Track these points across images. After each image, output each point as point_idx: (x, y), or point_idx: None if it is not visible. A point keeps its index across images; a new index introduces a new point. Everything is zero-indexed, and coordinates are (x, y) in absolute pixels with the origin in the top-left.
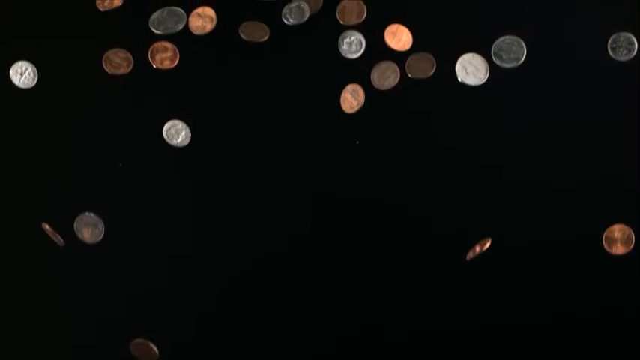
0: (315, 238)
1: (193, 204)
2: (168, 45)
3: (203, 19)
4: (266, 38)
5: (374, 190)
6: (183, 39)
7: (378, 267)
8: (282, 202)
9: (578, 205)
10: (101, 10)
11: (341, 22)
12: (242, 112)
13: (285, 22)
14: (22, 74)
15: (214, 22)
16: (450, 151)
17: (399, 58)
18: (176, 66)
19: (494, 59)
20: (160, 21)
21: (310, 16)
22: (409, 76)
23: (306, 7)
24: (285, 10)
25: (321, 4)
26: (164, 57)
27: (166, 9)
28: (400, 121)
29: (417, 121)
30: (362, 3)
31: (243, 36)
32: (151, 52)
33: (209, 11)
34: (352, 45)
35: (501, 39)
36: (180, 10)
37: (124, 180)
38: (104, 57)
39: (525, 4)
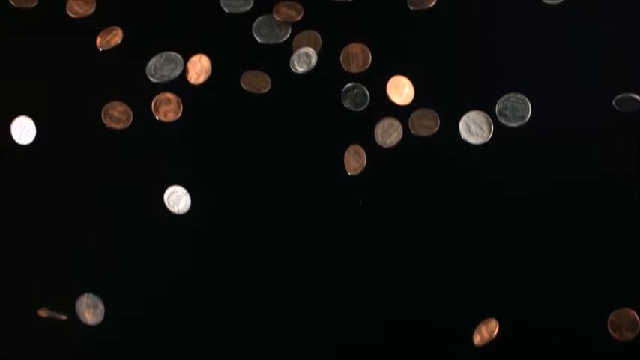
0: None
1: (195, 277)
2: (171, 96)
3: (199, 69)
4: (267, 89)
5: (378, 251)
6: (183, 88)
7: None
8: (284, 258)
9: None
10: (100, 49)
11: (344, 69)
12: (244, 170)
13: (293, 70)
14: (22, 130)
15: (208, 72)
16: (453, 214)
17: (401, 112)
18: (179, 118)
19: (498, 117)
20: (156, 68)
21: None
22: (412, 133)
23: (313, 54)
24: (293, 58)
25: (320, 45)
26: (168, 109)
27: (164, 54)
28: (403, 180)
29: (419, 180)
30: (367, 49)
31: (244, 86)
32: (155, 104)
33: (205, 61)
34: (356, 97)
35: (506, 96)
36: (179, 56)
37: (123, 253)
38: (103, 111)
39: (531, 61)
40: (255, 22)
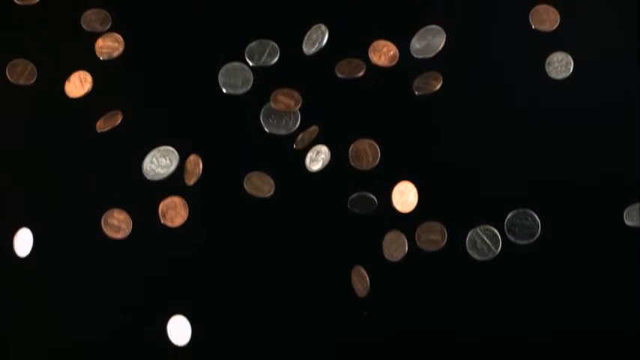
0: None
1: None
2: (177, 199)
3: (195, 170)
4: (272, 193)
5: None
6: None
7: None
8: None
9: None
10: (98, 131)
11: (353, 165)
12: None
13: (307, 169)
14: (22, 242)
15: (199, 174)
16: (462, 330)
17: (406, 221)
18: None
19: (507, 234)
20: (148, 170)
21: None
22: (419, 246)
23: (327, 152)
24: (309, 156)
25: (315, 133)
26: (174, 214)
27: (159, 149)
28: (409, 293)
29: (426, 294)
30: (376, 145)
31: (247, 189)
32: (162, 210)
33: (197, 160)
34: (362, 203)
35: (514, 212)
36: (175, 152)
37: None
38: (102, 219)
39: (539, 173)
40: (264, 110)
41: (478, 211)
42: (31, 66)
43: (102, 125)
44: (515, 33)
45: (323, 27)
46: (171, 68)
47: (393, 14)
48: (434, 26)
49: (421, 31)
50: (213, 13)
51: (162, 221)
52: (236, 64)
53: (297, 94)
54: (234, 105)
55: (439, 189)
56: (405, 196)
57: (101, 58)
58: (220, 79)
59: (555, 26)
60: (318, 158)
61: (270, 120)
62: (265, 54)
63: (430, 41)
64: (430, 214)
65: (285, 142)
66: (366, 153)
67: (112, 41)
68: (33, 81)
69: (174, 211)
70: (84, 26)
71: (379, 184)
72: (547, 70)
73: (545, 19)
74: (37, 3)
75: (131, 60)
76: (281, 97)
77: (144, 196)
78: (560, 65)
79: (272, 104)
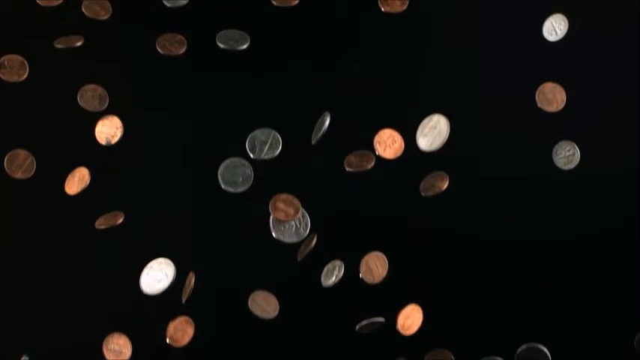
0: None
1: None
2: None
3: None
4: (277, 313)
5: None
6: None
7: None
8: None
9: None
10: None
11: (364, 280)
12: None
13: (323, 284)
14: None
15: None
16: None
17: (414, 343)
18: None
19: None
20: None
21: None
22: None
23: (341, 266)
24: (325, 274)
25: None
26: (181, 335)
27: (157, 261)
28: None
29: None
30: (385, 259)
31: (252, 309)
32: (170, 334)
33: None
34: (370, 327)
35: (525, 346)
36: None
37: None
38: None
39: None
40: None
41: (487, 341)
42: (31, 158)
43: (102, 223)
44: (520, 116)
45: (327, 116)
46: (169, 162)
47: (397, 102)
48: (437, 116)
49: (425, 121)
50: (214, 102)
51: (168, 341)
52: (236, 159)
53: (296, 201)
54: (235, 205)
55: (447, 312)
56: (410, 320)
57: (102, 143)
58: (220, 177)
59: (562, 106)
60: (332, 274)
61: (280, 227)
62: (267, 145)
63: (435, 135)
64: (437, 339)
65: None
66: (377, 267)
67: (111, 126)
68: (32, 174)
69: (181, 332)
70: (82, 104)
71: (387, 301)
72: (554, 159)
73: (552, 100)
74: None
75: (130, 150)
76: (281, 205)
77: (143, 314)
78: (566, 156)
79: (272, 212)
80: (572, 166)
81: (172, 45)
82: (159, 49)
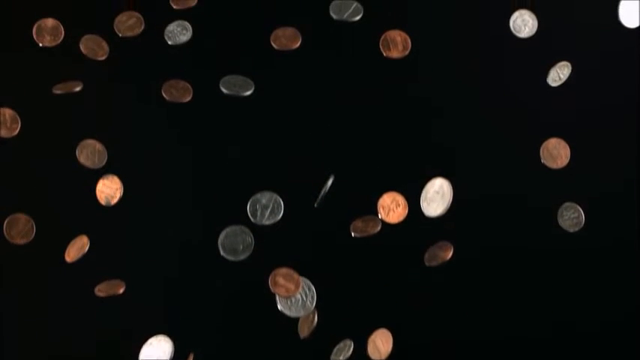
0: None
1: None
2: None
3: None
4: None
5: None
6: None
7: None
8: None
9: None
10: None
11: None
12: None
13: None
14: None
15: None
16: None
17: None
18: None
19: None
20: None
21: None
22: None
23: (351, 346)
24: (334, 352)
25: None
26: None
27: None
28: None
29: None
30: (391, 336)
31: None
32: None
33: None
34: None
35: None
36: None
37: None
38: None
39: None
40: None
41: None
42: (31, 223)
43: (102, 290)
44: (523, 173)
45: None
46: (168, 227)
47: (400, 166)
48: (440, 181)
49: (428, 185)
50: (214, 164)
51: None
52: (236, 227)
53: (296, 276)
54: (236, 274)
55: None
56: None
57: (102, 203)
58: (220, 245)
59: (565, 163)
60: (341, 353)
61: (285, 300)
62: (269, 210)
63: (439, 200)
64: None
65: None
66: (382, 344)
67: (112, 186)
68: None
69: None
70: (81, 160)
71: None
72: (559, 221)
73: (557, 156)
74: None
75: (129, 211)
76: (281, 281)
77: None
78: (570, 219)
79: (272, 288)
80: (577, 228)
81: (178, 92)
82: (165, 96)
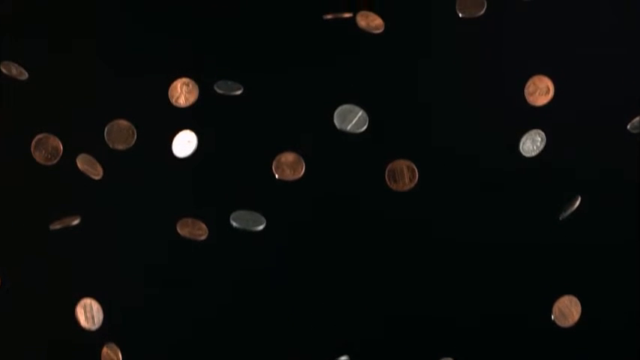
0: None
1: None
2: None
3: None
4: None
5: None
6: None
7: None
8: None
9: None
10: None
11: None
12: None
13: None
14: None
15: None
16: None
17: None
18: None
19: None
20: None
21: None
22: None
23: None
24: None
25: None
26: None
27: None
28: None
29: None
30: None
31: None
32: None
33: None
34: None
35: None
36: None
37: None
38: None
39: None
40: None
41: None
42: None
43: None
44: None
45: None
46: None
47: None
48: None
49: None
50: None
51: None
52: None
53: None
54: None
55: None
56: None
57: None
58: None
59: (577, 318)
60: None
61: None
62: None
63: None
64: None
65: None
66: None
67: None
68: None
69: None
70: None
71: None
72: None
73: (568, 314)
74: None
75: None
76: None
77: None
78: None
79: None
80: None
81: (194, 229)
82: (181, 233)
